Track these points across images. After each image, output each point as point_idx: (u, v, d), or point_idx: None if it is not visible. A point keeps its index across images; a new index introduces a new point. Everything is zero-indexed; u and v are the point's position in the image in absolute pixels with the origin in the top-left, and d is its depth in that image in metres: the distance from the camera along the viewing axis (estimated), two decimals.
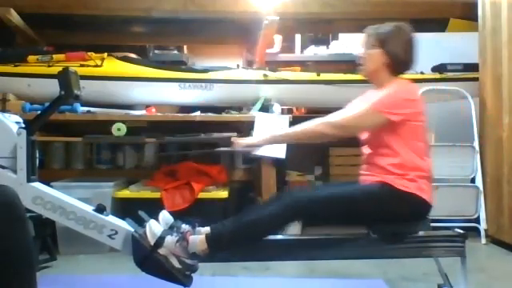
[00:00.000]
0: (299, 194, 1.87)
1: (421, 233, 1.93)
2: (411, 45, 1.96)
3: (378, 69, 1.96)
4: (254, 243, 1.86)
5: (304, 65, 4.45)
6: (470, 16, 3.85)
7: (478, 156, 3.57)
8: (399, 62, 1.95)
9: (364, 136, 2.01)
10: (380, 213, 1.84)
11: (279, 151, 3.22)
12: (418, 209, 1.87)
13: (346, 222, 1.92)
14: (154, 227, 1.85)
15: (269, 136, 2.00)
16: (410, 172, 1.84)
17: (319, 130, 1.89)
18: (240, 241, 1.84)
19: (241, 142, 1.98)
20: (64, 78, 1.94)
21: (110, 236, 1.88)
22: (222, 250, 1.84)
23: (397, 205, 1.84)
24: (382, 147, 1.90)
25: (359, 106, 1.92)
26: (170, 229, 1.88)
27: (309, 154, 4.29)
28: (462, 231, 1.96)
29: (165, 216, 1.94)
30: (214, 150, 1.96)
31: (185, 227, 1.89)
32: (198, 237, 1.83)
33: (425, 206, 1.87)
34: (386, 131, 1.87)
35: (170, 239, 1.82)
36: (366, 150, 2.01)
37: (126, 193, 3.19)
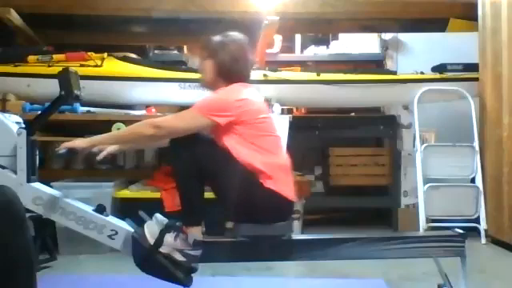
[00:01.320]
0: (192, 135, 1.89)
1: (421, 233, 1.94)
2: (239, 51, 2.02)
3: (212, 79, 2.02)
4: (198, 184, 1.88)
5: (304, 65, 4.45)
6: (470, 16, 3.85)
7: (478, 156, 3.58)
8: (228, 71, 2.00)
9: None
10: (243, 196, 1.84)
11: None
12: (277, 205, 1.88)
13: (216, 184, 1.92)
14: (153, 227, 1.85)
15: (91, 140, 1.97)
16: (262, 168, 1.86)
17: (139, 130, 1.91)
18: (192, 195, 1.89)
19: (65, 145, 1.93)
20: (64, 78, 1.94)
21: (109, 236, 1.88)
22: (197, 213, 1.91)
23: (258, 196, 1.85)
24: (229, 151, 1.90)
25: (189, 109, 1.94)
26: (167, 228, 1.89)
27: (309, 154, 4.30)
28: (461, 231, 1.96)
29: (158, 218, 1.94)
30: (56, 153, 1.94)
31: (179, 224, 1.89)
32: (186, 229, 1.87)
33: (283, 203, 1.89)
34: (223, 135, 1.90)
35: (169, 236, 1.83)
36: None
37: (125, 193, 3.19)
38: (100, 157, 2.02)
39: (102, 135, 1.99)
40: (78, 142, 1.93)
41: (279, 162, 1.94)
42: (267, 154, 1.90)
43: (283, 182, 1.90)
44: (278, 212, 1.91)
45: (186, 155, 1.85)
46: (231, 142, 1.89)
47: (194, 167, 1.85)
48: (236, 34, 2.07)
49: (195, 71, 3.73)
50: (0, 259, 1.44)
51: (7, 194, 1.54)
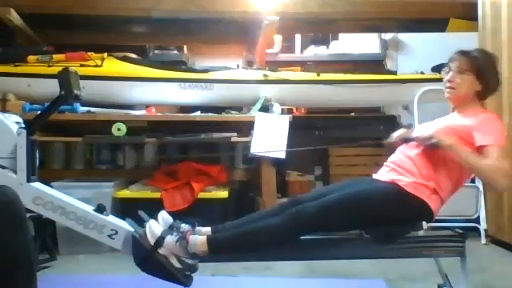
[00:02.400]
0: (305, 205, 1.82)
1: (421, 233, 1.93)
2: (499, 77, 2.01)
3: (468, 95, 1.97)
4: (255, 252, 1.85)
5: (304, 65, 4.45)
6: (470, 16, 3.85)
7: None
8: (488, 92, 1.99)
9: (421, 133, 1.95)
10: (381, 215, 1.83)
11: (279, 141, 3.22)
12: (417, 214, 1.87)
13: (352, 228, 1.90)
14: (154, 227, 1.85)
15: (456, 145, 1.82)
16: (431, 182, 1.85)
17: (494, 177, 1.78)
18: (240, 248, 1.84)
19: (436, 137, 1.82)
20: (64, 78, 1.94)
21: (110, 236, 1.88)
22: (221, 254, 1.85)
23: (399, 207, 1.84)
24: (436, 160, 1.86)
25: (491, 147, 1.80)
26: (170, 229, 1.88)
27: (309, 154, 4.29)
28: (461, 231, 1.96)
29: (164, 216, 1.94)
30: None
31: (184, 227, 1.89)
32: (199, 237, 1.83)
33: (426, 213, 1.87)
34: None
35: (170, 239, 1.82)
36: (410, 151, 1.94)
37: (125, 193, 3.19)
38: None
39: (463, 151, 1.81)
40: (449, 140, 1.83)
41: (452, 187, 1.96)
42: (454, 186, 1.95)
43: (438, 202, 1.92)
44: (417, 217, 1.91)
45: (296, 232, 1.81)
46: (450, 167, 1.88)
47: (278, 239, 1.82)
48: (493, 54, 2.06)
49: (195, 71, 3.75)
50: (0, 259, 1.44)
51: (8, 194, 1.54)
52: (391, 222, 1.85)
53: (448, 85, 1.99)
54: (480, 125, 1.86)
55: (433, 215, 1.87)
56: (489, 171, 1.78)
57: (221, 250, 1.83)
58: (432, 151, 1.87)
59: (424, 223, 1.92)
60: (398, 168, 1.91)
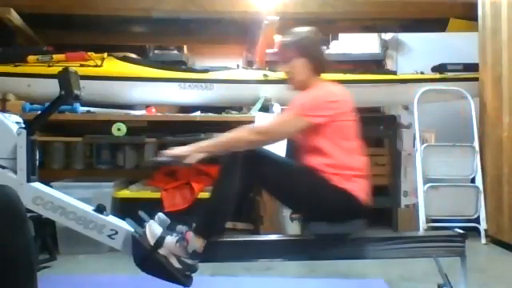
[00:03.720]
0: (250, 150, 1.87)
1: (421, 233, 1.94)
2: (322, 44, 2.08)
3: (306, 76, 2.01)
4: (232, 205, 1.86)
5: None
6: (470, 16, 3.85)
7: (478, 156, 3.57)
8: (321, 64, 2.02)
9: (299, 141, 2.02)
10: (317, 199, 1.86)
11: (279, 151, 3.22)
12: (351, 206, 1.88)
13: (286, 193, 1.93)
14: (154, 227, 1.85)
15: (195, 146, 1.92)
16: (342, 171, 1.87)
17: (244, 137, 1.89)
18: (220, 212, 1.86)
19: (169, 153, 1.91)
20: (64, 78, 1.94)
21: (109, 236, 1.88)
22: (213, 230, 1.87)
23: (332, 198, 1.86)
24: (313, 150, 1.91)
25: (285, 112, 1.94)
26: (169, 230, 1.88)
27: None
28: (461, 231, 1.96)
29: (161, 218, 1.93)
30: (148, 161, 1.91)
31: (182, 228, 1.89)
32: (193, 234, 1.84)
33: (359, 204, 1.88)
34: (313, 134, 1.90)
35: (170, 239, 1.82)
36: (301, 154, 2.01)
37: (125, 193, 3.19)
38: (189, 162, 1.92)
39: (205, 142, 1.94)
40: (181, 150, 1.89)
41: (358, 165, 1.93)
42: (348, 157, 1.91)
43: (361, 184, 1.90)
44: (349, 211, 1.90)
45: (246, 172, 1.83)
46: (317, 142, 1.90)
47: (245, 188, 1.86)
48: (310, 28, 2.06)
49: (195, 71, 3.75)
50: (0, 259, 1.44)
51: (8, 194, 1.54)
52: (327, 215, 1.88)
53: (288, 77, 2.05)
54: (304, 97, 1.94)
55: (355, 198, 1.87)
56: (239, 137, 1.89)
57: (209, 228, 1.85)
58: (303, 149, 1.95)
59: (363, 220, 1.95)
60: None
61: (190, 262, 1.82)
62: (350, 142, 1.93)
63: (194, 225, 1.86)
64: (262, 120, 1.88)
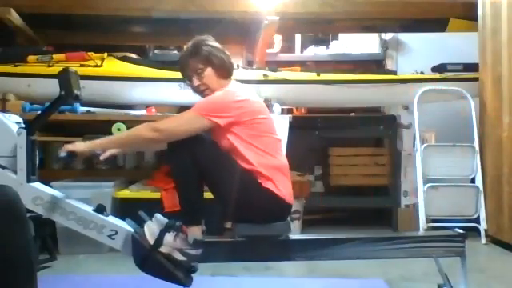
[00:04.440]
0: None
1: (421, 233, 1.94)
2: (222, 47, 2.10)
3: (217, 83, 2.02)
4: (197, 184, 1.89)
5: (304, 65, 4.45)
6: (470, 16, 3.85)
7: (478, 156, 3.57)
8: (227, 67, 2.06)
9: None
10: (242, 196, 1.86)
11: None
12: (273, 207, 1.89)
13: (214, 185, 1.94)
14: (153, 227, 1.85)
15: (92, 143, 1.94)
16: (261, 170, 1.87)
17: (139, 133, 1.90)
18: (191, 195, 1.91)
19: (66, 147, 1.91)
20: (64, 78, 1.94)
21: (109, 236, 1.88)
22: (197, 213, 1.92)
23: (254, 197, 1.87)
24: (229, 152, 1.91)
25: (186, 112, 1.95)
26: (167, 228, 1.89)
27: (309, 154, 4.30)
28: (461, 231, 1.96)
29: (158, 218, 1.94)
30: (58, 156, 1.94)
31: (178, 224, 1.89)
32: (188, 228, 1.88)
33: (281, 205, 1.90)
34: (223, 136, 1.91)
35: (169, 236, 1.83)
36: None
37: (125, 193, 3.19)
38: (102, 157, 1.99)
39: (103, 139, 1.97)
40: (79, 146, 1.92)
41: (277, 163, 1.95)
42: (265, 155, 1.91)
43: (281, 183, 1.91)
44: (275, 212, 1.92)
45: (185, 155, 1.86)
46: (230, 143, 1.91)
47: (193, 167, 1.86)
48: (204, 36, 2.12)
49: None
50: (0, 259, 1.44)
51: (8, 194, 1.54)
52: (253, 214, 1.89)
53: (201, 89, 2.05)
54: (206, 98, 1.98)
55: (276, 196, 1.88)
56: (136, 134, 1.92)
57: (193, 212, 1.92)
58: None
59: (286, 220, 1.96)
60: None
61: (193, 252, 1.84)
62: (265, 140, 1.94)
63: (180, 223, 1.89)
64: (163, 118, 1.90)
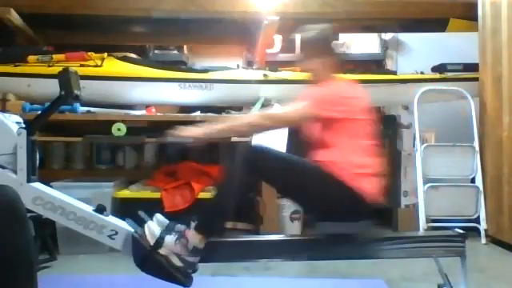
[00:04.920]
0: (252, 147, 1.90)
1: (421, 233, 1.94)
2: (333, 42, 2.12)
3: (325, 73, 2.05)
4: (233, 204, 1.86)
5: None
6: (470, 16, 3.85)
7: (478, 156, 3.57)
8: (336, 59, 2.08)
9: (308, 135, 2.04)
10: (323, 195, 1.86)
11: (279, 144, 3.22)
12: (358, 205, 1.87)
13: (291, 189, 1.93)
14: (153, 227, 1.85)
15: (206, 128, 1.93)
16: (352, 169, 1.86)
17: (255, 121, 1.95)
18: (222, 210, 1.87)
19: (183, 133, 1.90)
20: (64, 78, 1.94)
21: (110, 236, 1.88)
22: (213, 229, 1.88)
23: (339, 195, 1.85)
24: (324, 145, 1.93)
25: (298, 102, 1.96)
26: (168, 229, 1.89)
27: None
28: (462, 231, 1.96)
29: (159, 218, 1.94)
30: (162, 140, 1.92)
31: (180, 227, 1.89)
32: (196, 232, 1.85)
33: (367, 204, 1.87)
34: (326, 129, 1.92)
35: (170, 238, 1.82)
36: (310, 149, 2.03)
37: (125, 193, 3.19)
38: (193, 145, 1.98)
39: (217, 125, 1.97)
40: (195, 131, 1.91)
41: (369, 163, 1.93)
42: (359, 153, 1.91)
43: (367, 182, 1.88)
44: (356, 210, 1.89)
45: (246, 167, 1.83)
46: (327, 138, 1.91)
47: (246, 182, 1.86)
48: (322, 25, 2.11)
49: (195, 71, 3.75)
50: (0, 259, 1.44)
51: (9, 194, 1.54)
52: (332, 211, 1.88)
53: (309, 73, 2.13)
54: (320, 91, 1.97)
55: (364, 197, 1.86)
56: (246, 122, 1.94)
57: (210, 225, 1.86)
58: (312, 142, 1.98)
59: (370, 220, 1.98)
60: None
61: (191, 259, 1.82)
62: (363, 140, 1.94)
63: (195, 222, 1.86)
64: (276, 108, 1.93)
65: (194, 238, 1.82)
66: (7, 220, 1.48)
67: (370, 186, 1.87)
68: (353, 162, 1.87)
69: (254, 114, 1.95)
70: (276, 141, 3.27)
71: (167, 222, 1.93)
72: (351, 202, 1.86)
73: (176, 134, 1.91)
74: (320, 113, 1.88)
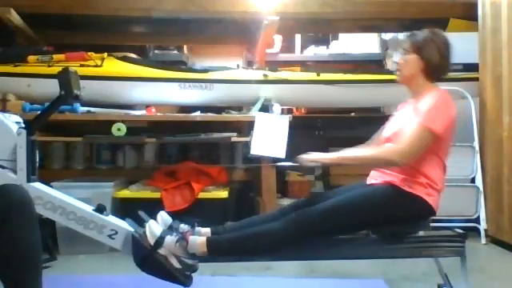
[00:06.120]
0: (305, 210, 1.84)
1: (421, 233, 1.94)
2: (446, 49, 2.00)
3: (415, 74, 1.96)
4: (255, 256, 1.86)
5: (304, 65, 4.45)
6: (470, 16, 3.85)
7: (478, 156, 3.57)
8: (434, 66, 1.95)
9: (386, 134, 2.00)
10: (384, 216, 1.84)
11: (279, 151, 3.22)
12: (420, 212, 1.86)
13: (354, 230, 1.91)
14: (154, 227, 1.85)
15: (336, 156, 1.92)
16: (422, 178, 1.84)
17: (386, 158, 1.83)
18: (240, 252, 1.85)
19: (307, 158, 1.90)
20: (64, 78, 1.94)
21: (110, 236, 1.88)
22: (220, 256, 1.86)
23: (400, 206, 1.83)
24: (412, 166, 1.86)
25: (411, 125, 1.83)
26: (169, 229, 1.89)
27: None
28: (462, 231, 1.96)
29: (163, 216, 1.94)
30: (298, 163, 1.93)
31: (184, 227, 1.89)
32: (198, 238, 1.84)
33: (428, 211, 1.86)
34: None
35: (170, 239, 1.82)
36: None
37: (125, 193, 3.19)
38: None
39: (345, 154, 1.93)
40: (323, 157, 1.91)
41: (442, 180, 1.92)
42: (439, 170, 1.90)
43: (437, 197, 1.88)
44: (419, 217, 1.89)
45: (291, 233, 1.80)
46: (429, 156, 1.86)
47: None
48: (443, 32, 2.05)
49: (195, 71, 3.75)
50: (12, 256, 1.47)
51: (22, 193, 1.58)
52: (393, 221, 1.85)
53: (396, 67, 2.03)
54: (421, 104, 1.88)
55: (433, 210, 1.86)
56: (378, 159, 1.85)
57: (220, 253, 1.84)
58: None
59: (428, 221, 1.93)
60: (387, 170, 1.92)
61: (189, 262, 1.82)
62: (443, 157, 1.92)
63: (211, 234, 1.88)
64: (401, 138, 1.81)
65: (198, 247, 1.81)
66: (19, 219, 1.50)
67: (434, 196, 1.86)
68: (429, 173, 1.85)
69: (388, 151, 1.84)
70: (275, 138, 3.28)
71: (171, 220, 1.92)
72: (416, 210, 1.85)
73: (307, 160, 1.90)
74: (436, 130, 1.80)
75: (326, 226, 1.82)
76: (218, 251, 1.83)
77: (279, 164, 1.80)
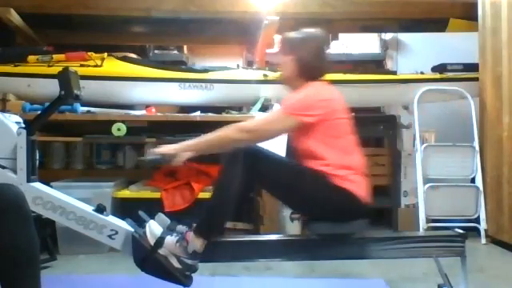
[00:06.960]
0: (251, 147, 1.87)
1: (421, 233, 1.94)
2: (320, 49, 2.03)
3: (292, 75, 2.02)
4: (233, 205, 1.85)
5: None
6: (470, 16, 3.85)
7: (478, 156, 3.57)
8: (307, 67, 1.99)
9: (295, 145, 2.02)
10: (317, 199, 1.85)
11: (279, 151, 3.22)
12: (352, 206, 1.87)
13: (286, 192, 1.91)
14: (154, 227, 1.85)
15: (181, 145, 1.92)
16: (340, 171, 1.86)
17: (229, 135, 1.87)
18: (221, 212, 1.85)
19: (157, 151, 1.90)
20: (64, 78, 1.95)
21: (110, 236, 1.88)
22: (213, 230, 1.86)
23: (332, 197, 1.85)
24: (307, 153, 1.91)
25: (274, 110, 1.93)
26: (169, 229, 1.88)
27: None
28: (462, 231, 1.96)
29: (161, 218, 1.93)
30: (140, 160, 1.91)
31: (182, 228, 1.89)
32: (193, 234, 1.84)
33: (360, 204, 1.87)
34: (305, 136, 1.89)
35: (170, 239, 1.82)
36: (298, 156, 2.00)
37: (125, 193, 3.19)
38: (178, 163, 1.93)
39: (191, 141, 1.93)
40: (169, 148, 1.90)
41: (354, 164, 1.92)
42: (343, 156, 1.90)
43: (358, 183, 1.89)
44: (352, 211, 1.89)
45: (242, 168, 1.81)
46: (309, 143, 1.89)
47: (244, 184, 1.83)
48: (315, 31, 2.06)
49: (195, 71, 3.75)
50: (7, 257, 1.46)
51: (14, 192, 1.56)
52: (329, 214, 1.87)
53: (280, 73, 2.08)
54: (294, 97, 1.93)
55: (354, 195, 1.85)
56: (225, 136, 1.88)
57: (210, 228, 1.84)
58: (299, 152, 1.94)
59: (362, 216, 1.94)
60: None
61: (189, 262, 1.82)
62: (344, 140, 1.93)
63: (194, 225, 1.86)
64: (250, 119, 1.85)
65: (194, 241, 1.81)
66: (13, 218, 1.49)
67: (358, 186, 1.88)
68: (339, 163, 1.87)
69: (231, 128, 1.87)
70: (275, 147, 3.27)
71: (169, 221, 1.92)
72: (344, 203, 1.86)
73: (154, 152, 1.90)
74: (301, 119, 1.85)
75: (268, 167, 1.85)
76: (207, 229, 1.83)
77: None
